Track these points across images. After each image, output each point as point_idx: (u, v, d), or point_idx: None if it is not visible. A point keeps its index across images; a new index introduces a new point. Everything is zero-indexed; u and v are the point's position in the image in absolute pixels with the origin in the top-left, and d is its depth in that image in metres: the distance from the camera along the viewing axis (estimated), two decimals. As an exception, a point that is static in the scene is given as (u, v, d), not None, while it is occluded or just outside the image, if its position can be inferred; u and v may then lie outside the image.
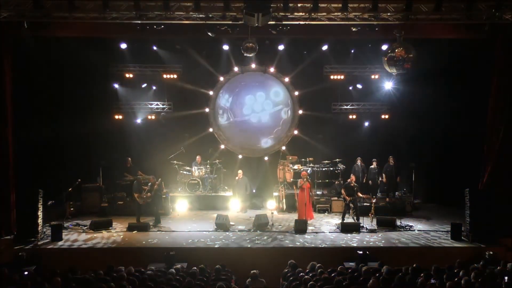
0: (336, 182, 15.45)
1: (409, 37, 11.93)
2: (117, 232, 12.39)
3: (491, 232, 11.53)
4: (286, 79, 16.37)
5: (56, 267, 8.83)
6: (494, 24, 11.70)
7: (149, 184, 13.21)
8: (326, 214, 14.60)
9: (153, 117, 16.42)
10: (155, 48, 15.39)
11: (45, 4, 11.08)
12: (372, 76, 16.15)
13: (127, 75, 16.02)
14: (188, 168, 15.70)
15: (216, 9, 11.47)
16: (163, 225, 13.02)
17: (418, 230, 12.68)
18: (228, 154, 16.67)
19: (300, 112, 16.48)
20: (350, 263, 10.15)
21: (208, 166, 15.66)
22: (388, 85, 15.95)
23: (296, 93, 16.41)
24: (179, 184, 15.76)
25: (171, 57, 15.71)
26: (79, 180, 14.14)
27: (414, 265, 8.79)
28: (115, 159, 15.38)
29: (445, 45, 13.62)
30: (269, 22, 11.41)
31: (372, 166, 15.45)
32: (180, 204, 14.66)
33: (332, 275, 8.72)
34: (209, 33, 12.05)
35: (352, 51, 15.85)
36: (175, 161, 15.77)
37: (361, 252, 10.59)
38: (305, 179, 13.45)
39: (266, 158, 16.65)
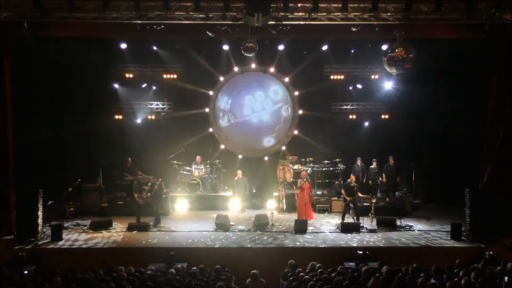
0: (336, 182, 15.45)
1: (409, 37, 11.93)
2: (117, 232, 12.39)
3: (491, 232, 11.53)
4: (286, 79, 16.37)
5: (56, 267, 8.83)
6: (494, 24, 11.70)
7: (149, 184, 13.21)
8: (326, 214, 14.59)
9: (153, 117, 16.42)
10: (155, 48, 15.38)
11: (45, 4, 11.08)
12: (372, 76, 16.15)
13: (127, 75, 16.02)
14: (188, 168, 15.69)
15: (216, 9, 11.47)
16: (163, 225, 13.02)
17: (418, 230, 12.68)
18: (228, 154, 16.67)
19: (300, 112, 16.49)
20: (350, 263, 10.15)
21: (208, 166, 15.66)
22: (388, 85, 15.95)
23: (296, 93, 16.41)
24: (179, 184, 15.75)
25: (171, 57, 15.70)
26: (79, 180, 14.14)
27: (414, 265, 8.79)
28: (115, 159, 15.37)
29: (445, 45, 13.61)
30: (269, 22, 11.41)
31: (372, 166, 15.45)
32: (180, 204, 14.66)
33: (332, 275, 8.72)
34: (209, 33, 12.05)
35: (352, 51, 15.84)
36: (175, 161, 15.77)
37: (361, 252, 10.59)
38: (305, 179, 13.42)
39: (266, 158, 16.66)
